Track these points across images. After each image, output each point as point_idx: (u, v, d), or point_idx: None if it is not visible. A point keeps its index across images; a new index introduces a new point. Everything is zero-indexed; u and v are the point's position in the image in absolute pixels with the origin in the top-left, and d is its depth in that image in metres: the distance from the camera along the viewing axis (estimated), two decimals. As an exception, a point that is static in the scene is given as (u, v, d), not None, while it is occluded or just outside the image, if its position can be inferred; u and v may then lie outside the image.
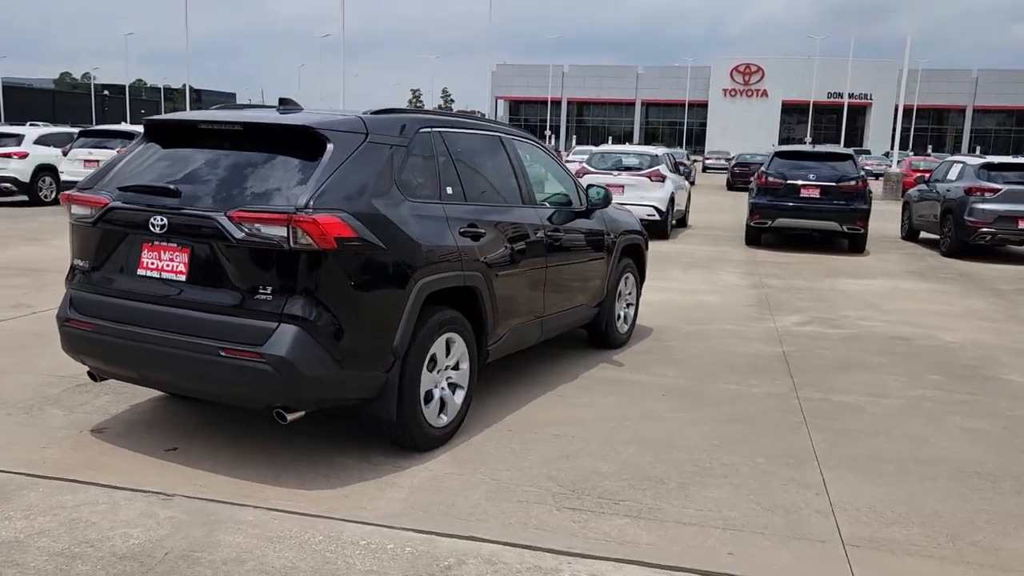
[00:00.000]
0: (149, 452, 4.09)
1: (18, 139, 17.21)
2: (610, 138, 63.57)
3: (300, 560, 3.12)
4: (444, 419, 4.32)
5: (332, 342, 3.66)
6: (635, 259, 6.80)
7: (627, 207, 8.21)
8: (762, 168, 14.39)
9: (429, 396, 4.20)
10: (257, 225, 3.56)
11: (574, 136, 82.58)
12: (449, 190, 4.46)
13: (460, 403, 4.44)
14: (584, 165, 15.26)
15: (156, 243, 3.82)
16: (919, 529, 3.56)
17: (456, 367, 4.42)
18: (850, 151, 15.12)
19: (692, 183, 25.55)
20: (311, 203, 3.58)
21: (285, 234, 3.53)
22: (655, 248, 13.25)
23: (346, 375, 3.75)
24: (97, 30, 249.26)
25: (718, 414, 5.03)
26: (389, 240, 3.86)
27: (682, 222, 17.06)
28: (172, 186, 3.85)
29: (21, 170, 16.66)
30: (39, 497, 3.56)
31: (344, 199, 3.72)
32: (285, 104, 4.50)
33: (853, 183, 13.34)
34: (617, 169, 14.83)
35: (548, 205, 5.52)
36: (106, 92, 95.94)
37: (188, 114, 4.33)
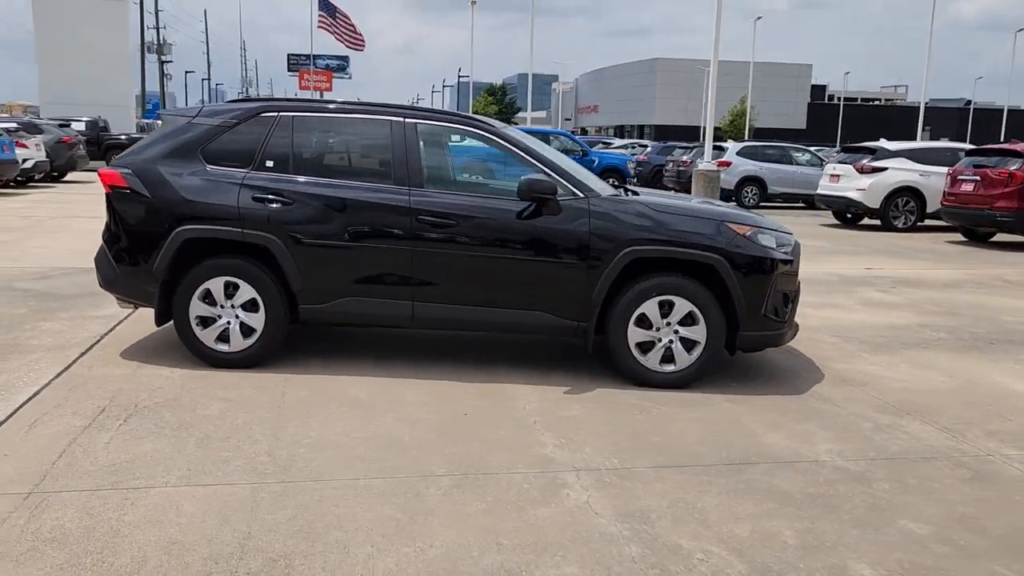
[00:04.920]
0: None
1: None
2: None
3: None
4: (224, 347, 5.02)
5: (113, 255, 5.14)
6: (714, 284, 4.88)
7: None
8: None
9: (205, 322, 5.01)
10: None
11: None
12: (269, 163, 5.02)
13: (252, 342, 5.01)
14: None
15: None
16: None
17: (252, 310, 4.99)
18: None
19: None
20: (112, 161, 5.16)
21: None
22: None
23: (125, 281, 5.14)
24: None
25: (449, 455, 3.96)
26: (156, 192, 4.99)
27: None
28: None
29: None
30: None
31: (137, 161, 5.12)
32: (233, 101, 5.70)
33: None
34: None
35: (441, 191, 5.03)
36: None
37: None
